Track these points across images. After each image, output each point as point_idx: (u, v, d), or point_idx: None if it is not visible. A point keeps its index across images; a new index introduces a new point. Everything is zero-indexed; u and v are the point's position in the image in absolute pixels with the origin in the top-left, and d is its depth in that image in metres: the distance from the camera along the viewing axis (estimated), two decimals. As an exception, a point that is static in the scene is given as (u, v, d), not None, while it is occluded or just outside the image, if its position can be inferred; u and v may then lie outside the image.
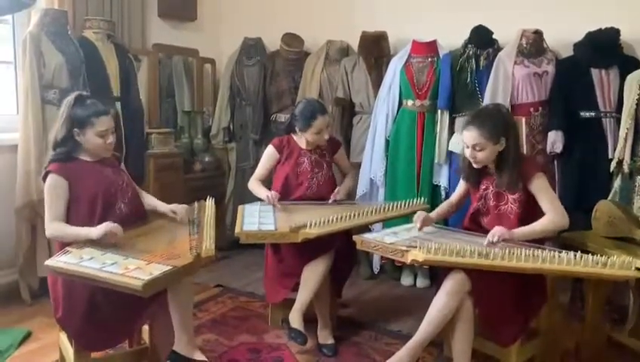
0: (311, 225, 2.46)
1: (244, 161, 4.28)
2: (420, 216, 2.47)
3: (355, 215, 2.62)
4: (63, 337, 2.30)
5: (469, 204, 2.56)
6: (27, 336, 2.72)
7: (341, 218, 2.56)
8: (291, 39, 4.19)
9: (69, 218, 2.12)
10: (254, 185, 2.93)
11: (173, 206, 2.40)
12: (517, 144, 2.36)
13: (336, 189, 2.90)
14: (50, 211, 2.10)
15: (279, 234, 2.46)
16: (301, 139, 2.94)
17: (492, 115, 2.36)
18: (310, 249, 2.57)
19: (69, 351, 2.18)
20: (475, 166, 2.39)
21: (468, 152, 2.36)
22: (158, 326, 2.18)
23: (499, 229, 2.25)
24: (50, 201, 2.11)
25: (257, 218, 2.62)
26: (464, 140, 2.37)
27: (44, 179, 2.14)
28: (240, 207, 2.85)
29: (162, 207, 2.41)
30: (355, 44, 3.92)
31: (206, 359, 2.14)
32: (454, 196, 2.66)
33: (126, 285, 1.78)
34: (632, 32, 3.15)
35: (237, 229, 2.51)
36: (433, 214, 2.57)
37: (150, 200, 2.44)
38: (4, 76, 3.42)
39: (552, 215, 2.30)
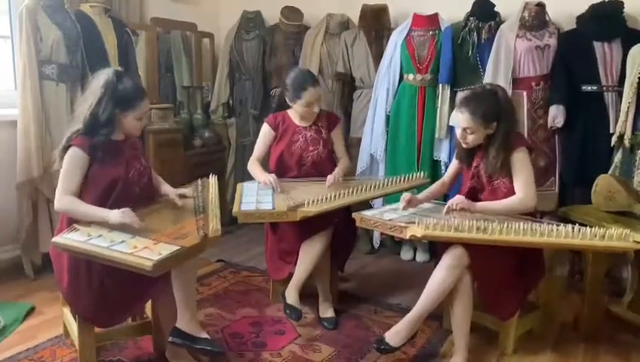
0: (309, 203, 2.45)
1: (244, 136, 4.26)
2: (405, 196, 2.45)
3: (354, 191, 2.62)
4: (67, 312, 2.34)
5: (461, 183, 2.57)
6: (31, 311, 2.75)
7: (340, 195, 2.56)
8: (291, 12, 4.14)
9: (82, 194, 2.08)
10: (253, 168, 2.86)
11: (181, 190, 2.36)
12: (507, 128, 2.33)
13: (332, 175, 2.76)
14: (63, 184, 2.05)
15: (277, 213, 2.45)
16: (296, 116, 2.88)
17: (486, 99, 2.33)
18: (308, 226, 2.58)
19: (73, 325, 2.21)
20: (464, 146, 2.40)
21: (458, 132, 2.38)
22: (162, 302, 2.18)
23: (458, 198, 2.32)
24: (66, 174, 2.06)
25: (255, 197, 2.61)
26: (454, 119, 2.37)
27: (65, 150, 2.07)
28: (239, 185, 2.84)
29: (169, 191, 2.36)
30: (355, 17, 3.87)
31: (208, 336, 2.16)
32: (447, 175, 2.66)
33: (136, 265, 1.78)
34: (636, 4, 3.10)
35: (234, 209, 2.50)
36: (422, 195, 2.56)
37: (157, 184, 2.38)
38: (2, 51, 3.38)
39: (522, 195, 2.30)
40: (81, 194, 2.08)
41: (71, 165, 2.06)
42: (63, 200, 2.04)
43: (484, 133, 2.33)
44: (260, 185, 2.76)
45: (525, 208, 2.32)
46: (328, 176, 2.75)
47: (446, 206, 2.31)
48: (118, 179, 2.11)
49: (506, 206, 2.32)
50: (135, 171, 2.18)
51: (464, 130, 2.33)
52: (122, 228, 1.99)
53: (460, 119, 2.32)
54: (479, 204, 2.33)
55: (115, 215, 2.00)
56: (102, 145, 2.08)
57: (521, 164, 2.32)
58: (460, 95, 3.23)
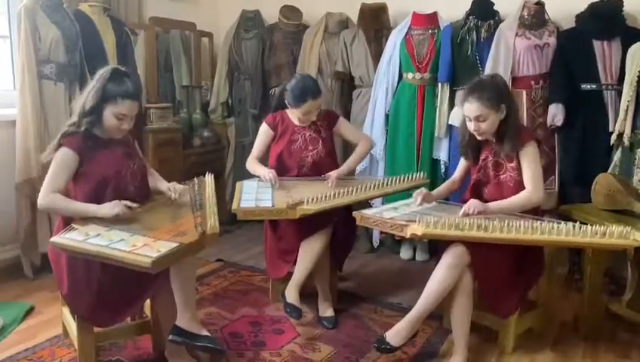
0: (309, 201, 2.45)
1: (243, 136, 4.26)
2: (421, 191, 2.46)
3: (353, 190, 2.61)
4: (66, 311, 2.33)
5: (469, 180, 2.56)
6: (30, 311, 2.74)
7: (339, 194, 2.55)
8: (290, 11, 4.13)
9: (74, 194, 2.09)
10: (252, 164, 2.86)
11: (172, 184, 2.37)
12: (515, 112, 2.38)
13: (332, 173, 2.78)
14: (49, 182, 2.05)
15: (277, 210, 2.45)
16: (295, 117, 2.86)
17: (489, 85, 2.35)
18: (308, 225, 2.57)
19: (72, 325, 2.20)
20: (479, 138, 2.39)
21: (471, 125, 2.35)
22: (161, 301, 2.18)
23: (474, 202, 2.31)
24: (53, 173, 2.06)
25: (255, 194, 2.61)
26: (465, 113, 2.36)
27: (59, 146, 2.07)
28: (238, 184, 2.83)
29: (162, 185, 2.38)
30: (354, 16, 3.87)
31: (209, 333, 2.16)
32: (456, 173, 2.66)
33: (135, 262, 1.78)
34: (635, 2, 3.10)
35: (234, 206, 2.50)
36: (434, 192, 2.56)
37: (153, 180, 2.40)
38: (1, 50, 3.37)
39: (531, 190, 2.31)
40: (72, 191, 2.10)
41: (59, 163, 2.07)
42: (46, 197, 2.05)
43: (497, 118, 2.32)
44: (260, 183, 2.76)
45: (535, 203, 2.34)
46: (331, 175, 2.75)
47: (462, 210, 2.29)
48: (108, 177, 2.12)
49: (516, 203, 2.32)
50: (128, 170, 2.19)
51: (477, 118, 2.31)
52: (116, 223, 2.00)
53: (471, 109, 2.31)
54: (492, 204, 2.32)
55: (105, 207, 2.02)
56: (89, 139, 2.09)
57: (531, 159, 2.33)
58: (461, 93, 3.24)
